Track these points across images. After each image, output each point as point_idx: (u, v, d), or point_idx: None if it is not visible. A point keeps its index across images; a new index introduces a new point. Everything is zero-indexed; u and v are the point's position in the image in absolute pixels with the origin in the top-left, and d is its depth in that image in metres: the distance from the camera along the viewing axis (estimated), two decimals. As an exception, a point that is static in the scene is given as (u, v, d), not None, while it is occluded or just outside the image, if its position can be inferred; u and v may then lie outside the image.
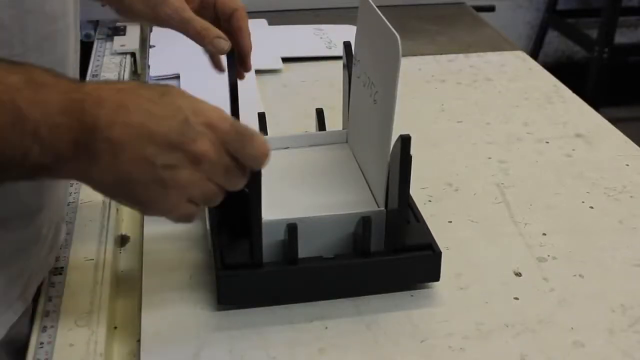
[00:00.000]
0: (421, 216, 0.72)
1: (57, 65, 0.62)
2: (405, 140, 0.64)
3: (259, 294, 0.67)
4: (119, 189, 0.54)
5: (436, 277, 0.69)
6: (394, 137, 0.66)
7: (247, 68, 0.79)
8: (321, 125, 0.84)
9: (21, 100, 0.50)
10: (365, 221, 0.66)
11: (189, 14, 0.75)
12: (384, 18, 0.67)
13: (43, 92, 0.51)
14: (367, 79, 0.72)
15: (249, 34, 0.78)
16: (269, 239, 0.66)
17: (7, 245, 0.65)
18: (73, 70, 0.69)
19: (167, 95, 0.55)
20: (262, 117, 0.84)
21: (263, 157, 0.57)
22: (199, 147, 0.54)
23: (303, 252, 0.67)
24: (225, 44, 0.75)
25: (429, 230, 0.71)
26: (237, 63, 0.78)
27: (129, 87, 0.56)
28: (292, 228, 0.65)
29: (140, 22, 0.78)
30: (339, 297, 0.68)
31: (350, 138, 0.81)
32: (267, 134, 0.83)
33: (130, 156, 0.53)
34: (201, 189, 0.56)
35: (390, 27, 0.65)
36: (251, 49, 0.79)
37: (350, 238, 0.69)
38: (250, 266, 0.66)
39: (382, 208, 0.69)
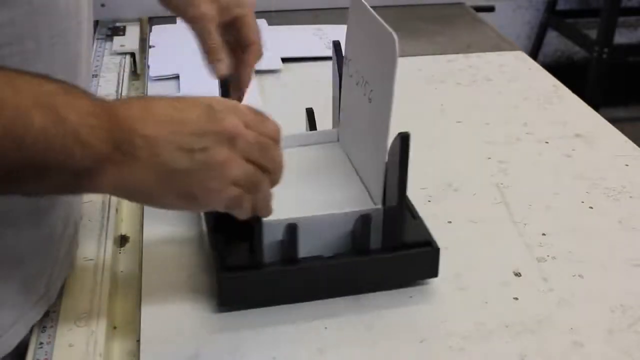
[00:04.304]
0: (418, 214, 0.73)
1: (70, 63, 0.65)
2: (404, 138, 0.64)
3: (260, 294, 0.67)
4: (163, 185, 0.56)
5: (435, 274, 0.69)
6: (391, 136, 0.66)
7: (239, 97, 0.80)
8: (312, 125, 0.84)
9: (59, 103, 0.51)
10: (364, 219, 0.66)
11: (210, 26, 0.77)
12: (378, 17, 0.67)
13: (74, 97, 0.53)
14: (361, 78, 0.72)
15: (251, 69, 0.80)
16: (269, 240, 0.66)
17: (22, 245, 0.65)
18: (86, 68, 0.70)
19: (183, 96, 0.59)
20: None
21: (279, 131, 0.61)
22: (229, 126, 0.57)
23: (302, 251, 0.67)
24: (223, 69, 0.77)
25: (427, 227, 0.71)
26: (232, 88, 0.79)
27: (148, 96, 0.59)
28: (292, 228, 0.65)
29: (172, 12, 0.80)
30: (340, 296, 0.68)
31: (342, 137, 0.81)
32: None
33: (167, 148, 0.55)
34: (242, 169, 0.57)
35: (386, 25, 0.65)
36: (248, 83, 0.80)
37: (348, 236, 0.69)
38: (250, 267, 0.66)
39: (380, 206, 0.69)
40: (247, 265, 0.66)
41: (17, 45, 0.58)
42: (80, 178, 0.53)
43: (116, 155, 0.53)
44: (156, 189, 0.56)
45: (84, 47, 0.68)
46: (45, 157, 0.51)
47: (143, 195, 0.57)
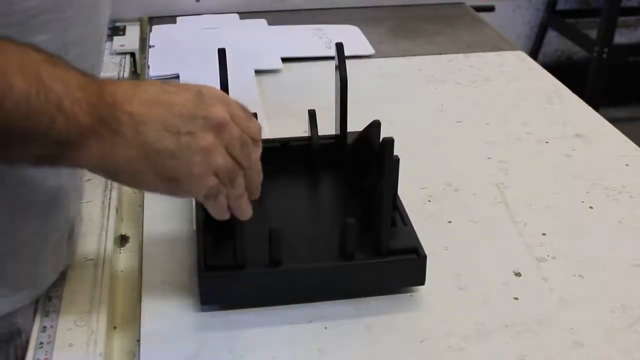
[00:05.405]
0: (409, 219, 0.72)
1: (97, 32, 0.68)
2: (388, 143, 0.64)
3: (241, 296, 0.67)
4: (147, 165, 0.56)
5: (421, 282, 0.69)
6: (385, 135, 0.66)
7: None
8: (313, 126, 0.84)
9: (44, 72, 0.52)
10: (348, 225, 0.66)
11: None
12: None
13: (61, 69, 0.53)
14: None
15: None
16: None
17: (35, 233, 0.66)
18: (103, 44, 0.73)
19: (174, 82, 0.58)
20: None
21: (260, 131, 0.61)
22: (217, 114, 0.57)
23: None
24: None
25: (415, 234, 0.70)
26: None
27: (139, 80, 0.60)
28: (275, 231, 0.65)
29: None
30: (323, 300, 0.68)
31: None
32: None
33: (153, 128, 0.55)
34: (224, 159, 0.58)
35: None
36: None
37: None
38: (231, 268, 0.66)
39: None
40: (227, 266, 0.66)
41: (56, 13, 0.59)
42: (64, 149, 0.54)
43: (101, 130, 0.54)
44: (139, 168, 0.56)
45: (105, 20, 0.71)
46: (27, 122, 0.51)
47: (125, 174, 0.57)
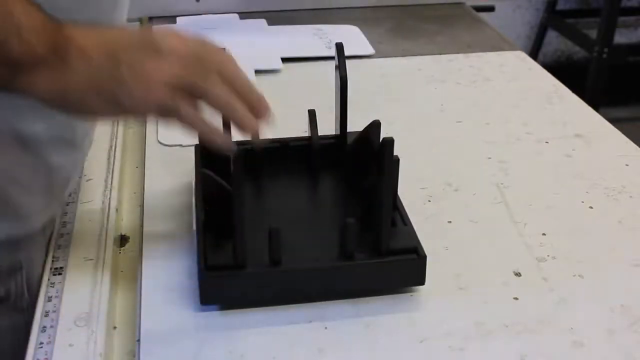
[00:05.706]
0: (409, 219, 0.72)
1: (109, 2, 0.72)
2: (388, 143, 0.64)
3: (241, 295, 0.67)
4: (93, 92, 0.59)
5: (421, 281, 0.69)
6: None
7: None
8: (313, 126, 0.84)
9: (13, 4, 0.56)
10: (348, 225, 0.65)
11: None
12: None
13: (34, 8, 0.57)
14: None
15: None
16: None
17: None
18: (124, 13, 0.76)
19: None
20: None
21: (231, 60, 0.64)
22: (164, 44, 0.60)
23: None
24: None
25: (415, 234, 0.70)
26: None
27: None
28: (275, 231, 0.65)
29: None
30: (323, 300, 0.68)
31: None
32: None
33: (99, 59, 0.59)
34: (173, 72, 0.60)
35: None
36: None
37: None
38: (232, 268, 0.66)
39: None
40: (227, 266, 0.66)
41: None
42: (16, 73, 0.57)
43: (52, 59, 0.57)
44: (88, 98, 0.59)
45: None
46: None
47: (74, 102, 0.60)
